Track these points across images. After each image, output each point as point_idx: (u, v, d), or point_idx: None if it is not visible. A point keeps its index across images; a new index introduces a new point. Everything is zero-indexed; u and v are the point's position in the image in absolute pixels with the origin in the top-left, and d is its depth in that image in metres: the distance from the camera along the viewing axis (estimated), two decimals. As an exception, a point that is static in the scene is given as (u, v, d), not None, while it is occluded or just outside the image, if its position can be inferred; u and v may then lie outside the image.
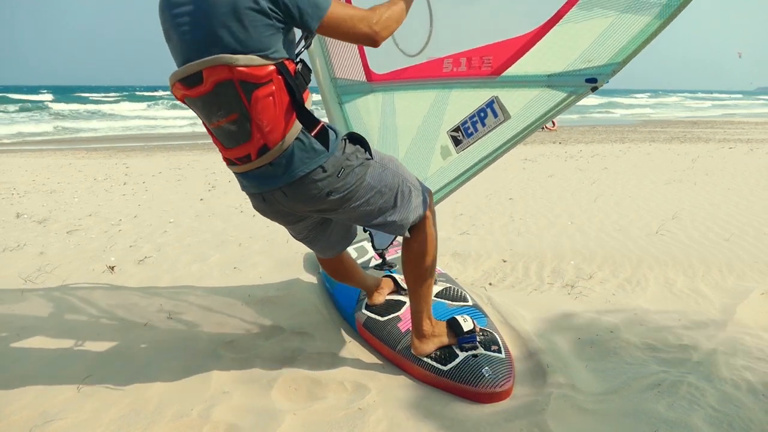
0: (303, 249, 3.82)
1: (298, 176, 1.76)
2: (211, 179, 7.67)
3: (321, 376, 2.17)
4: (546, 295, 3.06)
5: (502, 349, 2.20)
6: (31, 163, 9.93)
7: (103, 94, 47.93)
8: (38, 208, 5.66)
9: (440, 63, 2.49)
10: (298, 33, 1.76)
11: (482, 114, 2.37)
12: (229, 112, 1.67)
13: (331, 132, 1.81)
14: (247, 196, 2.00)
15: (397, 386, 2.11)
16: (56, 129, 20.91)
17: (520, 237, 4.25)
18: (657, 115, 32.60)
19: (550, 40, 2.10)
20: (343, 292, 2.85)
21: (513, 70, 2.23)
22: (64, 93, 48.84)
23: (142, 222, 5.04)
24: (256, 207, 1.98)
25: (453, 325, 2.21)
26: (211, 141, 1.89)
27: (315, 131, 1.74)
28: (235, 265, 3.72)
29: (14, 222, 5.06)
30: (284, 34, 1.66)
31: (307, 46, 1.78)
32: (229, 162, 1.85)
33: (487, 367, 2.05)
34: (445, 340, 2.18)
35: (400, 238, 2.17)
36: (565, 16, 2.03)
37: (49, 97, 41.89)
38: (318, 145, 1.76)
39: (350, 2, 2.59)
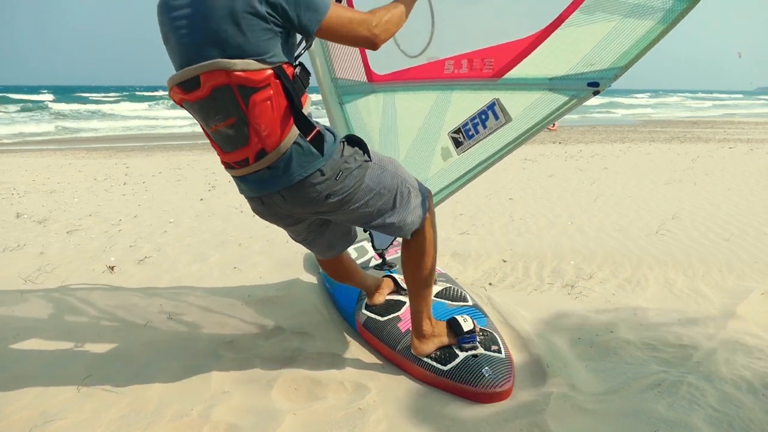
0: (303, 249, 3.80)
1: (296, 180, 1.75)
2: (211, 179, 7.67)
3: (321, 376, 2.17)
4: (546, 295, 3.06)
5: (502, 349, 2.20)
6: (31, 163, 9.93)
7: (103, 94, 47.95)
8: (38, 208, 5.66)
9: (442, 64, 2.49)
10: (298, 35, 1.75)
11: (483, 116, 2.37)
12: (226, 116, 1.67)
13: (328, 135, 1.81)
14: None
15: (397, 386, 2.12)
16: (57, 129, 20.93)
17: (520, 237, 4.25)
18: (658, 115, 32.62)
19: (553, 44, 2.09)
20: (343, 292, 2.85)
21: (514, 73, 2.22)
22: (64, 93, 48.86)
23: (142, 222, 5.04)
24: (254, 210, 1.97)
25: (453, 325, 2.21)
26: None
27: (310, 136, 1.73)
28: (235, 265, 3.72)
29: (14, 222, 5.07)
30: (282, 38, 1.65)
31: (306, 48, 1.77)
32: (228, 166, 1.84)
33: (487, 367, 2.05)
34: (445, 340, 2.18)
35: (400, 239, 2.17)
36: (567, 20, 2.03)
37: (49, 97, 41.91)
38: (315, 150, 1.75)
39: (352, 5, 2.59)
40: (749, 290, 3.00)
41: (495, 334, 2.30)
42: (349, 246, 2.33)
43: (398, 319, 2.45)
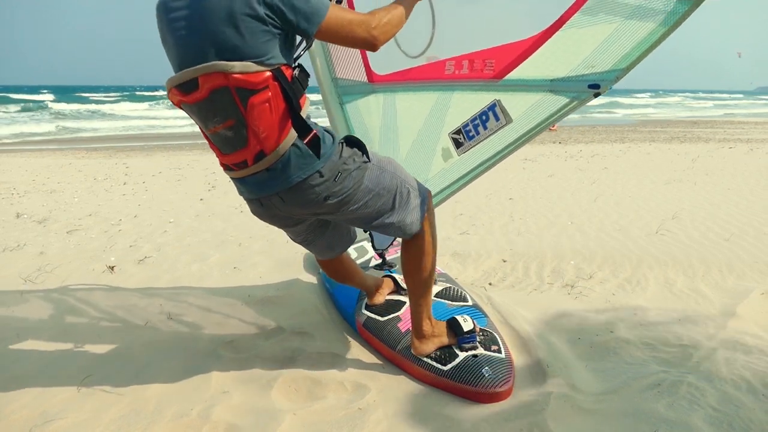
0: (303, 249, 3.79)
1: (295, 182, 1.75)
2: (211, 179, 7.67)
3: (321, 376, 2.17)
4: (546, 295, 3.06)
5: (502, 349, 2.20)
6: (31, 163, 9.93)
7: (103, 94, 47.95)
8: (38, 208, 5.66)
9: (442, 65, 2.49)
10: (298, 37, 1.75)
11: (484, 117, 2.37)
12: (225, 118, 1.66)
13: (327, 136, 1.80)
14: None
15: (397, 386, 2.12)
16: (57, 129, 20.94)
17: (520, 237, 4.25)
18: (658, 115, 32.60)
19: (554, 45, 2.09)
20: (343, 292, 2.85)
21: (515, 74, 2.22)
22: (64, 93, 48.86)
23: (142, 222, 5.04)
24: (253, 211, 1.97)
25: (453, 325, 2.21)
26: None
27: (307, 139, 1.72)
28: (235, 265, 3.72)
29: (14, 222, 5.07)
30: (281, 40, 1.64)
31: (306, 49, 1.77)
32: (226, 167, 1.84)
33: (487, 367, 2.05)
34: (445, 340, 2.18)
35: (399, 239, 2.17)
36: (568, 21, 2.02)
37: (50, 97, 41.91)
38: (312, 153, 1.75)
39: (352, 6, 2.59)
40: (749, 290, 3.00)
41: (495, 334, 2.30)
42: (349, 246, 2.33)
43: (398, 319, 2.45)
